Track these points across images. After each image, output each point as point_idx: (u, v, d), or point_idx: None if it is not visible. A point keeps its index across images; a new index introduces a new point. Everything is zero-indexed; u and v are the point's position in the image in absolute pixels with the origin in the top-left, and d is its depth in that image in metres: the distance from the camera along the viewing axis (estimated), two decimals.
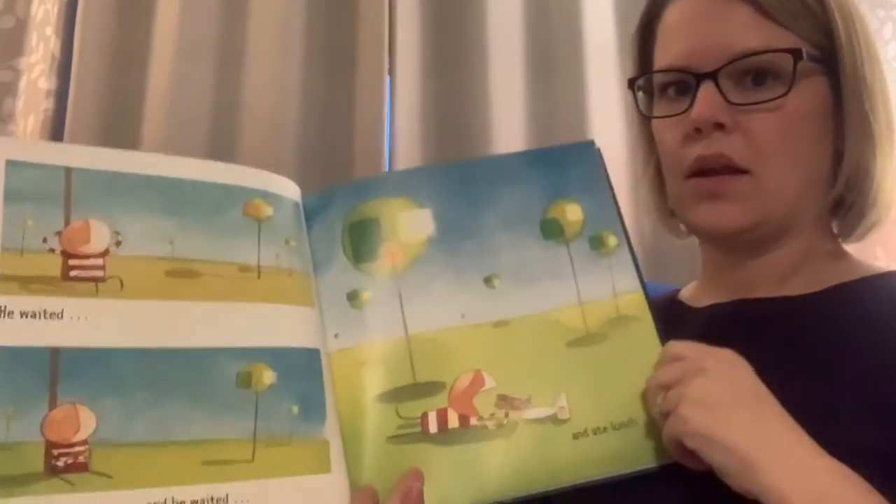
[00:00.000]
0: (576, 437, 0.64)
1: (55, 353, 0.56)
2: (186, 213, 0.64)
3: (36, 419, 0.54)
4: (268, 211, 0.67)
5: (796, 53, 0.67)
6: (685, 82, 0.72)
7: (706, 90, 0.67)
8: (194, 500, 0.57)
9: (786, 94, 0.68)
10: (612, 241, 0.71)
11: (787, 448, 0.56)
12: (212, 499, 0.58)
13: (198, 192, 0.65)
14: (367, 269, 0.69)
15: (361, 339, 0.67)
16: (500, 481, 0.64)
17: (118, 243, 0.61)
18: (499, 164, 0.75)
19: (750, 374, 0.61)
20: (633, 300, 0.69)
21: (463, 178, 0.73)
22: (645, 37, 0.81)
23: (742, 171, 0.71)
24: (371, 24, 1.45)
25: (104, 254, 0.60)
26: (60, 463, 0.54)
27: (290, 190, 0.70)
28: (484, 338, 0.68)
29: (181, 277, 0.62)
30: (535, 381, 0.65)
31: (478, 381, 0.67)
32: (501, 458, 0.65)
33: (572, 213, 0.72)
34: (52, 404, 0.55)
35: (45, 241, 0.58)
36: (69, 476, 0.54)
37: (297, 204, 0.69)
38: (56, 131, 1.35)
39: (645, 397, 0.66)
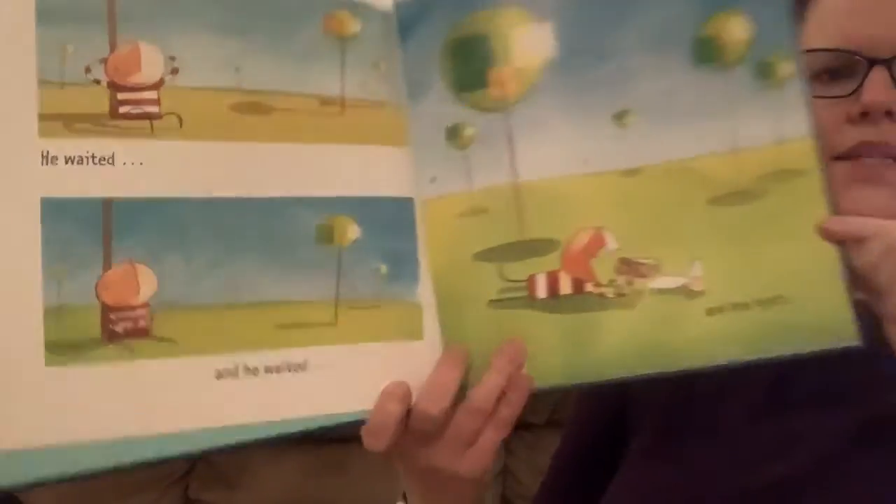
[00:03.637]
0: (710, 312, 0.57)
1: (108, 204, 0.51)
2: (254, 32, 0.55)
3: (90, 280, 0.50)
4: (354, 26, 0.58)
5: None
6: (850, 66, 0.65)
7: (879, 75, 0.62)
8: (268, 367, 0.53)
9: None
10: (784, 68, 0.58)
11: None
12: (288, 365, 0.54)
13: (267, 5, 0.56)
14: (470, 100, 0.60)
15: (462, 184, 0.60)
16: (615, 358, 0.58)
17: (174, 71, 0.53)
18: None
19: None
20: (801, 149, 0.57)
21: None
22: None
23: None
24: None
25: (158, 84, 0.53)
26: (119, 328, 0.51)
27: None
28: (608, 189, 0.59)
29: (250, 113, 0.54)
30: (666, 244, 0.57)
31: (597, 241, 0.59)
32: (619, 333, 0.58)
33: (737, 28, 0.58)
34: (108, 263, 0.51)
35: (88, 70, 0.51)
36: (129, 342, 0.51)
37: (388, 16, 0.59)
38: None
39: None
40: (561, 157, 0.59)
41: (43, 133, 0.50)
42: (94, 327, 0.50)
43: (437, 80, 0.60)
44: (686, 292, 0.57)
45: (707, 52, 0.59)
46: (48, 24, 0.51)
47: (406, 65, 0.60)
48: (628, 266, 0.59)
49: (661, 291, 0.58)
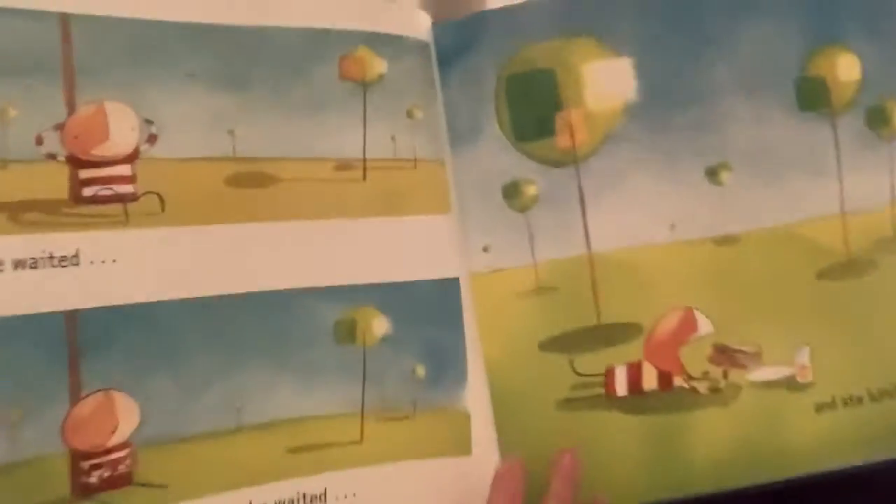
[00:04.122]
0: (819, 409, 0.48)
1: (72, 318, 0.39)
2: (251, 83, 0.42)
3: (54, 421, 0.39)
4: (378, 66, 0.45)
5: None
6: None
7: None
8: (279, 502, 0.43)
9: None
10: None
11: None
12: (304, 497, 0.43)
13: (267, 50, 0.43)
14: (533, 151, 0.47)
15: (523, 256, 0.48)
16: (709, 468, 0.48)
17: (151, 138, 0.41)
18: None
19: None
20: None
21: (680, 11, 0.48)
22: None
23: None
24: None
25: (132, 157, 0.41)
26: (94, 479, 0.39)
27: (414, 23, 0.47)
28: (700, 260, 0.48)
29: (249, 186, 0.43)
30: (767, 326, 0.48)
31: (688, 324, 0.49)
32: (713, 436, 0.48)
33: (846, 67, 0.49)
34: (76, 396, 0.39)
35: (39, 141, 0.39)
36: (108, 495, 0.39)
37: (424, 47, 0.46)
38: None
39: None
40: (643, 222, 0.48)
41: None
42: (61, 483, 0.39)
43: (490, 127, 0.48)
44: (791, 385, 0.48)
45: (812, 95, 0.49)
46: None
47: (449, 108, 0.47)
48: (724, 354, 0.49)
49: (763, 384, 0.49)
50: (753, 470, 0.48)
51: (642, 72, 0.49)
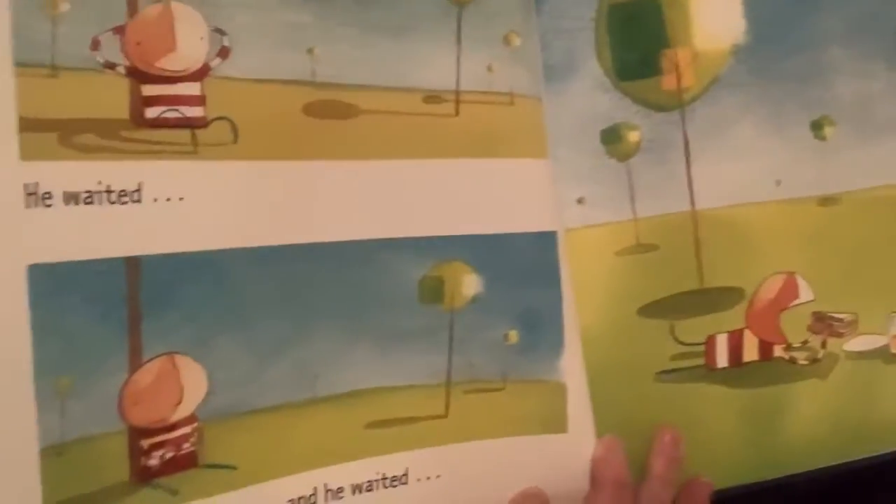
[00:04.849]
0: None
1: (134, 265, 0.32)
2: None
3: (111, 391, 0.32)
4: None
5: None
6: None
7: None
8: (356, 485, 0.37)
9: None
10: None
11: None
12: (383, 478, 0.38)
13: None
14: (636, 91, 0.43)
15: (623, 209, 0.43)
16: (809, 445, 0.45)
17: (223, 52, 0.34)
18: None
19: None
20: None
21: None
22: None
23: None
24: None
25: (202, 73, 0.34)
26: (155, 460, 0.33)
27: None
28: (803, 221, 0.45)
29: (329, 117, 0.36)
30: (863, 293, 0.46)
31: (790, 290, 0.45)
32: (812, 411, 0.45)
33: None
34: (136, 361, 0.32)
35: (96, 46, 0.31)
36: (171, 479, 0.33)
37: None
38: None
39: None
40: (749, 176, 0.44)
41: (26, 153, 0.30)
42: (118, 466, 0.33)
43: (587, 62, 0.43)
44: (885, 355, 0.46)
45: None
46: None
47: (544, 39, 0.41)
48: (822, 322, 0.46)
49: (857, 355, 0.46)
50: (850, 448, 0.46)
51: (750, 12, 0.44)
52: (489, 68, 0.39)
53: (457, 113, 0.39)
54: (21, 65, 0.31)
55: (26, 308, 0.30)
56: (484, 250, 0.39)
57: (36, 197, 0.31)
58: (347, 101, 0.37)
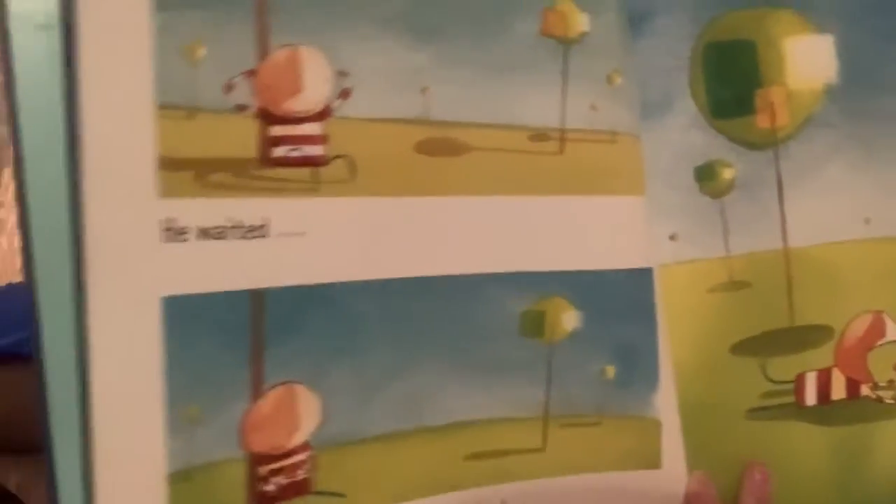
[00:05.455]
0: None
1: (258, 298, 0.33)
2: (448, 33, 0.38)
3: (233, 419, 0.33)
4: (582, 23, 0.41)
5: None
6: None
7: None
8: None
9: None
10: None
11: None
12: None
13: None
14: (730, 130, 0.44)
15: (716, 247, 0.44)
16: (893, 485, 0.45)
17: (344, 94, 0.35)
18: None
19: None
20: None
21: None
22: None
23: None
24: None
25: (324, 114, 0.35)
26: (272, 486, 0.34)
27: None
28: (892, 260, 0.46)
29: (440, 154, 0.38)
30: None
31: (877, 329, 0.46)
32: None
33: None
34: (257, 389, 0.34)
35: (229, 88, 0.33)
36: None
37: (622, 2, 0.42)
38: None
39: None
40: (839, 215, 0.45)
41: (164, 191, 0.32)
42: (238, 491, 0.34)
43: (682, 100, 0.44)
44: None
45: None
46: (170, 9, 0.32)
47: (641, 77, 0.43)
48: None
49: None
50: None
51: (843, 52, 0.45)
52: (593, 107, 0.41)
53: (561, 151, 0.40)
54: (162, 107, 0.33)
55: (160, 338, 0.32)
56: (583, 286, 0.40)
57: (172, 232, 0.33)
58: (458, 139, 0.38)
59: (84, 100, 0.31)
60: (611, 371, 0.41)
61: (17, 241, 1.43)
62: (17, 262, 1.42)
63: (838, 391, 0.45)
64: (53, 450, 0.31)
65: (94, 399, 0.31)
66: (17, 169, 0.30)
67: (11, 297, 1.12)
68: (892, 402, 0.46)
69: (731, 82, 0.44)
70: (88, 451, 0.31)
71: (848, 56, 0.45)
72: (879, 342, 0.46)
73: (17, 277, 1.41)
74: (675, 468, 0.42)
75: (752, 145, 0.44)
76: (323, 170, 0.36)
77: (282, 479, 0.35)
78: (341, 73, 0.36)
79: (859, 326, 0.45)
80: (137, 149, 0.32)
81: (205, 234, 0.33)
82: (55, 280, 0.31)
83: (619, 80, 0.42)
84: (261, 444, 0.34)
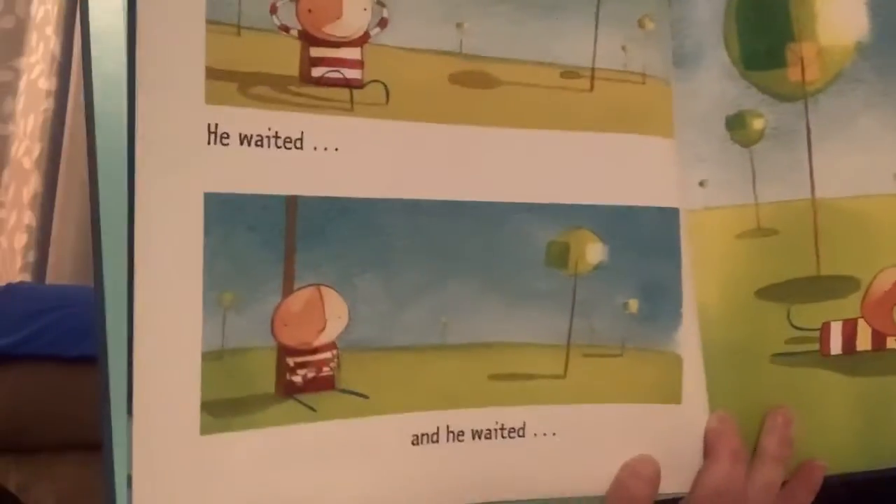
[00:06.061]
0: None
1: (293, 203, 0.37)
2: None
3: (267, 311, 0.37)
4: None
5: None
6: None
7: None
8: (476, 431, 0.41)
9: None
10: None
11: None
12: (502, 428, 0.41)
13: None
14: (762, 81, 0.45)
15: (744, 194, 0.46)
16: None
17: (382, 22, 0.39)
18: None
19: None
20: None
21: None
22: None
23: None
24: None
25: (362, 40, 0.39)
26: (299, 378, 0.37)
27: None
28: None
29: (473, 86, 0.41)
30: None
31: None
32: None
33: None
34: (289, 287, 0.37)
35: (273, 10, 0.37)
36: (310, 397, 0.37)
37: None
38: (56, 131, 1.46)
39: None
40: (869, 169, 0.46)
41: (211, 97, 0.36)
42: (266, 377, 0.37)
43: (715, 51, 0.46)
44: None
45: None
46: None
47: (675, 27, 0.45)
48: None
49: None
50: None
51: (874, 10, 0.46)
52: (623, 48, 0.43)
53: (591, 88, 0.43)
54: (211, 22, 0.37)
55: (201, 229, 0.36)
56: (610, 220, 0.43)
57: (216, 135, 0.37)
58: (490, 73, 0.41)
59: (141, 12, 0.35)
60: (634, 305, 0.43)
61: (17, 241, 1.52)
62: (18, 262, 1.51)
63: (864, 342, 0.46)
64: (105, 322, 0.35)
65: (138, 277, 0.35)
66: (87, 70, 0.35)
67: (11, 297, 1.19)
68: None
69: (764, 35, 0.46)
70: (132, 324, 0.35)
71: (882, 15, 0.46)
72: None
73: (17, 277, 1.50)
74: (696, 405, 0.44)
75: (782, 97, 0.46)
76: (358, 92, 0.39)
77: (308, 373, 0.38)
78: (379, 3, 0.40)
79: (887, 279, 0.46)
80: (188, 59, 0.36)
81: (245, 140, 0.37)
82: (113, 169, 0.35)
83: (651, 25, 0.44)
84: (289, 337, 0.38)
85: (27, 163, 1.50)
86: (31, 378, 1.06)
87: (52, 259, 1.50)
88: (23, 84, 1.51)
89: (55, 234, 1.50)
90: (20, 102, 1.51)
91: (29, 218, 1.50)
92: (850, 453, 0.46)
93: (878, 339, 0.46)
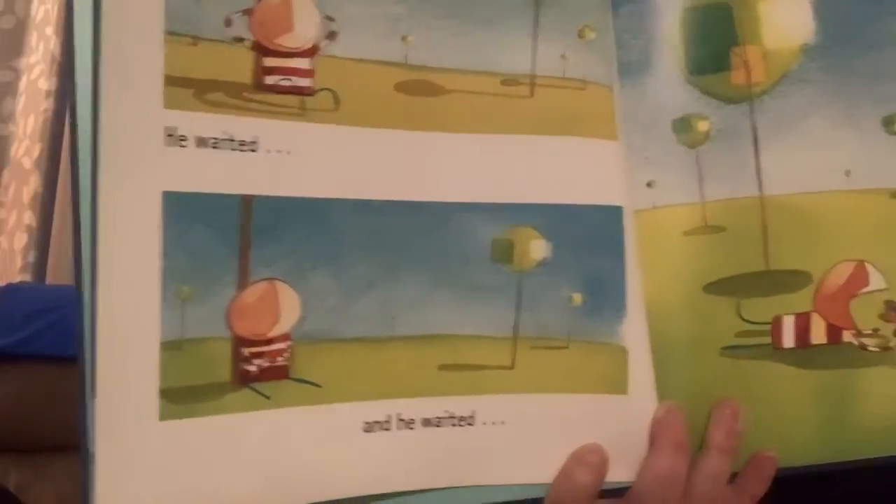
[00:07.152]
0: None
1: (248, 203, 0.41)
2: None
3: (222, 304, 0.41)
4: None
5: None
6: None
7: None
8: (426, 419, 0.44)
9: None
10: None
11: None
12: (451, 416, 0.44)
13: None
14: (708, 85, 0.49)
15: (690, 193, 0.49)
16: (883, 430, 0.48)
17: (331, 35, 0.43)
18: None
19: None
20: None
21: None
22: None
23: None
24: None
25: (312, 51, 0.43)
26: (254, 367, 0.41)
27: None
28: (874, 211, 0.49)
29: (416, 94, 0.45)
30: None
31: (859, 277, 0.49)
32: (885, 396, 0.48)
33: None
34: (244, 281, 0.41)
35: (228, 23, 0.41)
36: (264, 386, 0.41)
37: None
38: (56, 131, 1.49)
39: None
40: (817, 167, 0.49)
41: (169, 102, 0.40)
42: (223, 367, 0.41)
43: (661, 59, 0.49)
44: None
45: None
46: None
47: (621, 34, 0.49)
48: (895, 312, 0.48)
49: None
50: None
51: (821, 13, 0.49)
52: (563, 57, 0.47)
53: (532, 94, 0.47)
54: (170, 33, 0.41)
55: (159, 226, 0.40)
56: (553, 219, 0.46)
57: (174, 138, 0.41)
58: (434, 82, 0.45)
59: (105, 24, 0.40)
60: (578, 299, 0.47)
61: (17, 241, 1.56)
62: (18, 262, 1.55)
63: (818, 336, 0.48)
64: (83, 302, 0.39)
65: (101, 271, 0.39)
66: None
67: (11, 297, 1.22)
68: (875, 349, 0.48)
69: (709, 41, 0.49)
70: (94, 313, 0.39)
71: (827, 16, 0.49)
72: (862, 290, 0.49)
73: (18, 277, 1.54)
74: (643, 397, 0.47)
75: (727, 99, 0.49)
76: (309, 99, 0.43)
77: (263, 362, 0.42)
78: (328, 18, 0.44)
79: (841, 274, 0.48)
80: (148, 67, 0.40)
81: (202, 142, 0.41)
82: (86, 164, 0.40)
83: (591, 35, 0.48)
84: (244, 328, 0.42)
85: (27, 163, 1.54)
86: (31, 378, 1.08)
87: (52, 259, 1.53)
88: (23, 84, 1.55)
89: (55, 234, 1.54)
90: (20, 102, 1.55)
91: (29, 218, 1.54)
92: (809, 446, 0.48)
93: (834, 332, 0.48)
